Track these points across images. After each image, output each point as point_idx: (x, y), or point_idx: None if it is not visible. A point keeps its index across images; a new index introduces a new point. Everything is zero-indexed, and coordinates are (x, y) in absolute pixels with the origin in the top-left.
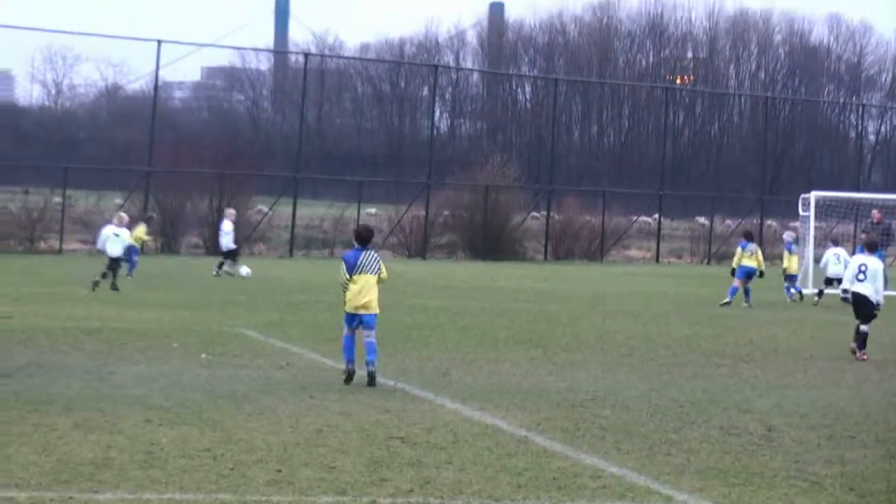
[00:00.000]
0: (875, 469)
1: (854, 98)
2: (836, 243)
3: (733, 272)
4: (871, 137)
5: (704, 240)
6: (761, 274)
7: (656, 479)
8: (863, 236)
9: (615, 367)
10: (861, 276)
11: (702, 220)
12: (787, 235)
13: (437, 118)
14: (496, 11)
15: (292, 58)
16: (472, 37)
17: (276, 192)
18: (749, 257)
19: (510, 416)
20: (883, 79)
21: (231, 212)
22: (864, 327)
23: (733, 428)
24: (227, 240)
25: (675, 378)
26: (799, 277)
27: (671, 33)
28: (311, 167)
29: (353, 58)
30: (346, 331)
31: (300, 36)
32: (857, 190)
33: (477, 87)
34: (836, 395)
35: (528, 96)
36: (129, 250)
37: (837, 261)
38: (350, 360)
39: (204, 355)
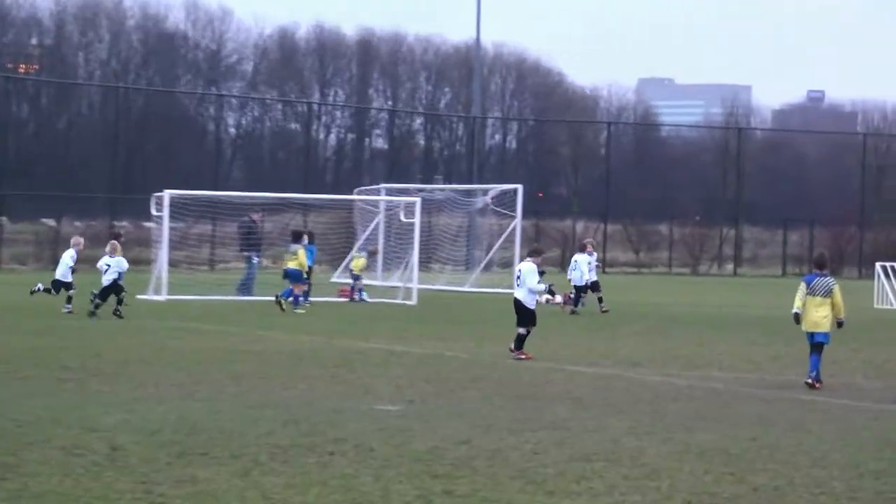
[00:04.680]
0: (228, 487)
1: (213, 88)
2: (582, 249)
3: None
4: (232, 131)
5: (51, 243)
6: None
7: None
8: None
9: None
10: (518, 282)
11: (49, 221)
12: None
13: None
14: None
15: None
16: None
17: None
18: (291, 259)
19: None
20: (244, 68)
21: None
22: (521, 330)
23: (76, 448)
24: None
25: (15, 395)
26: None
27: (14, 17)
28: None
29: None
30: None
31: None
32: (217, 187)
33: None
34: (189, 409)
35: None
36: None
37: (575, 267)
38: None
39: None
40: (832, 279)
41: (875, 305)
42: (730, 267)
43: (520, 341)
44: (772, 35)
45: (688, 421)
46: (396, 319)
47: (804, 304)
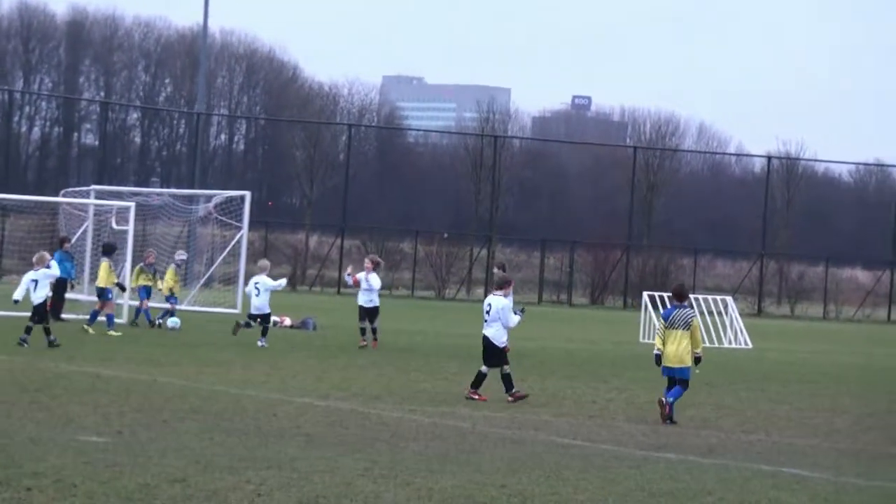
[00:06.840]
0: None
1: None
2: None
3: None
4: None
5: None
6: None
7: None
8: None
9: None
10: (487, 318)
11: None
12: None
13: None
14: None
15: None
16: None
17: None
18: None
19: None
20: None
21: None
22: (483, 370)
23: None
24: None
25: None
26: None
27: None
28: None
29: None
30: None
31: None
32: None
33: None
34: None
35: None
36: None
37: (258, 293)
38: None
39: None
40: (692, 311)
41: (641, 340)
42: (480, 291)
43: (480, 379)
44: (534, 34)
45: (430, 463)
46: (105, 340)
47: (664, 340)
